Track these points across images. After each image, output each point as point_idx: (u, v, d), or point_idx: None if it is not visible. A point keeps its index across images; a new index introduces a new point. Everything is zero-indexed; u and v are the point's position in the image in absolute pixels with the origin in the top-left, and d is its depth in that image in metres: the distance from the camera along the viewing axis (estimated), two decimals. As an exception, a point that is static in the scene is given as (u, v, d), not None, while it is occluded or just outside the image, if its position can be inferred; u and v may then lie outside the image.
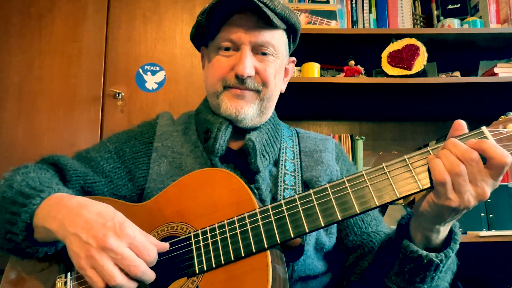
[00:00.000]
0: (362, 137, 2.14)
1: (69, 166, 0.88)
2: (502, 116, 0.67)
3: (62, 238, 0.68)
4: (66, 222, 0.67)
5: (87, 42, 2.16)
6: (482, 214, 1.72)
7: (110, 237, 0.63)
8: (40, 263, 0.79)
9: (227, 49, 0.89)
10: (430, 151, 0.65)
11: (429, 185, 0.63)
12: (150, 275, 0.66)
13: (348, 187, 0.67)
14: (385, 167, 0.66)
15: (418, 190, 0.63)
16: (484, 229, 1.68)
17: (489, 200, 1.73)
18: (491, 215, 1.72)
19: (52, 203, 0.72)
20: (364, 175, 0.66)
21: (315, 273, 0.86)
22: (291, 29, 0.93)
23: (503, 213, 1.72)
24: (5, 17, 2.15)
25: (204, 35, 0.95)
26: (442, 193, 0.61)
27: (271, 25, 0.86)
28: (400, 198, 0.64)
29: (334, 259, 0.92)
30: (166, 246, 0.71)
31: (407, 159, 0.65)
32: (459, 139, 0.63)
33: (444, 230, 0.68)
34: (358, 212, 0.65)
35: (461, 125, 0.66)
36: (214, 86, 0.91)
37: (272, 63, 0.90)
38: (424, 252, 0.67)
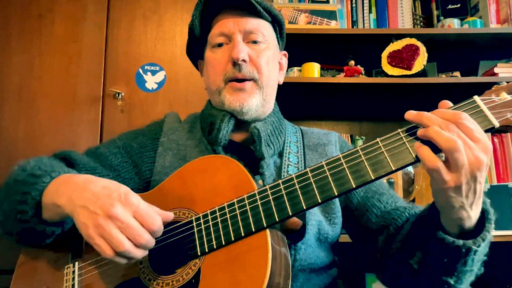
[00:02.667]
0: (362, 137, 2.14)
1: (78, 160, 0.91)
2: (494, 86, 0.67)
3: (70, 212, 0.70)
4: (74, 196, 0.70)
5: (87, 42, 2.16)
6: (482, 214, 1.72)
7: (116, 206, 0.65)
8: (50, 254, 0.82)
9: (220, 45, 0.94)
10: None
11: None
12: (153, 244, 0.68)
13: (343, 163, 0.67)
14: (379, 142, 0.67)
15: (413, 161, 0.64)
16: (484, 229, 1.68)
17: (489, 200, 1.73)
18: (491, 215, 1.72)
19: (60, 181, 0.75)
20: (359, 150, 0.67)
21: (318, 264, 0.86)
22: (275, 21, 0.98)
23: (503, 213, 1.72)
24: (5, 17, 2.15)
25: (197, 42, 0.99)
26: (438, 178, 0.61)
27: (256, 15, 0.93)
28: (396, 170, 0.64)
29: (340, 252, 0.93)
30: (170, 215, 0.72)
31: (400, 132, 0.66)
32: (452, 109, 0.64)
33: (474, 214, 0.66)
34: (354, 186, 0.66)
35: (446, 105, 0.66)
36: (215, 83, 0.94)
37: (264, 50, 0.94)
38: (461, 241, 0.65)
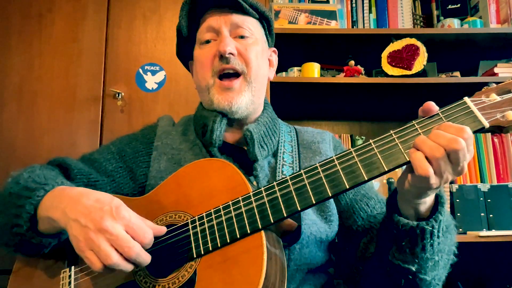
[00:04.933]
0: (362, 137, 2.14)
1: (73, 166, 0.91)
2: (484, 87, 0.69)
3: (64, 226, 0.71)
4: (67, 209, 0.70)
5: (87, 42, 2.16)
6: (482, 214, 1.72)
7: (106, 219, 0.66)
8: (46, 260, 0.82)
9: (208, 42, 0.94)
10: (415, 124, 0.67)
11: None
12: (145, 258, 0.67)
13: (337, 164, 0.68)
14: (372, 143, 0.68)
15: (406, 161, 0.65)
16: (484, 229, 1.68)
17: (489, 200, 1.73)
18: (491, 215, 1.71)
19: (55, 195, 0.75)
20: (352, 152, 0.68)
21: (315, 264, 0.87)
22: (263, 18, 0.99)
23: (503, 213, 1.72)
24: (5, 17, 2.14)
25: (187, 42, 1.00)
26: (425, 181, 0.63)
27: (243, 12, 0.94)
28: (388, 171, 0.65)
29: (337, 251, 0.93)
30: (163, 229, 0.73)
31: (393, 134, 0.67)
32: (442, 111, 0.66)
33: (429, 199, 0.70)
34: (347, 187, 0.66)
35: (430, 107, 0.67)
36: (204, 79, 0.94)
37: (252, 45, 0.94)
38: (415, 222, 0.69)
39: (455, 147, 0.60)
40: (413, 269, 0.72)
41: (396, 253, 0.73)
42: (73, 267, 0.78)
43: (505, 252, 1.92)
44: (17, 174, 0.83)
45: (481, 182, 1.84)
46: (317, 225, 0.87)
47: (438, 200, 0.71)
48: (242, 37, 0.94)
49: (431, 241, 0.70)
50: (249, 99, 0.92)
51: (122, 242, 0.65)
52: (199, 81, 0.97)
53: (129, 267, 0.67)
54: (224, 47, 0.89)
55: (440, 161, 0.61)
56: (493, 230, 1.68)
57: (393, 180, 1.88)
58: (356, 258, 0.92)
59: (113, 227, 0.65)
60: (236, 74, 0.92)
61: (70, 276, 0.77)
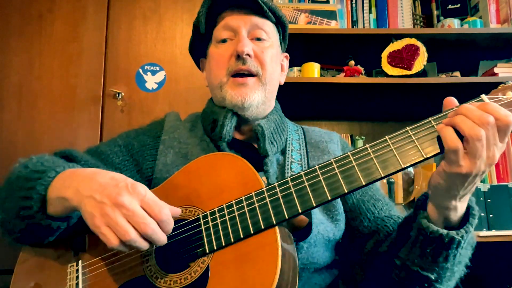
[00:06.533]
0: (362, 137, 2.14)
1: (80, 157, 0.91)
2: (501, 85, 0.69)
3: (77, 204, 0.70)
4: (81, 187, 0.69)
5: (87, 42, 2.16)
6: (482, 214, 1.72)
7: (123, 194, 0.65)
8: (51, 253, 0.81)
9: (224, 41, 0.94)
10: (431, 121, 0.66)
11: (431, 154, 0.64)
12: (160, 236, 0.66)
13: (352, 160, 0.67)
14: (388, 139, 0.67)
15: (422, 158, 0.64)
16: (484, 229, 1.68)
17: (489, 200, 1.73)
18: (491, 215, 1.71)
19: (66, 175, 0.74)
20: (368, 148, 0.67)
21: (320, 264, 0.86)
22: (279, 22, 1.00)
23: (503, 213, 1.72)
24: (5, 17, 2.15)
25: (201, 39, 0.99)
26: (454, 160, 0.62)
27: (262, 14, 0.94)
28: (404, 168, 0.64)
29: (343, 252, 0.92)
30: (178, 210, 0.71)
31: (409, 130, 0.66)
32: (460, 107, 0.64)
33: (461, 207, 0.68)
34: (363, 183, 0.65)
35: (452, 102, 0.67)
36: (218, 77, 0.94)
37: (268, 48, 0.95)
38: (444, 231, 0.67)
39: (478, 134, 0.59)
40: (432, 277, 0.71)
41: (417, 259, 0.71)
42: (80, 262, 0.77)
43: (505, 252, 1.92)
44: (25, 160, 0.82)
45: (481, 182, 1.85)
46: (324, 225, 0.86)
47: (469, 212, 0.70)
48: (259, 39, 0.94)
49: (455, 252, 0.68)
50: (261, 99, 0.92)
51: (139, 218, 0.64)
52: (211, 79, 0.97)
53: (144, 245, 0.65)
54: (242, 47, 0.89)
55: (475, 142, 0.60)
56: (493, 230, 1.68)
57: (393, 180, 1.88)
58: (360, 260, 0.91)
59: (129, 203, 0.64)
60: (250, 75, 0.92)
61: (77, 270, 0.76)
